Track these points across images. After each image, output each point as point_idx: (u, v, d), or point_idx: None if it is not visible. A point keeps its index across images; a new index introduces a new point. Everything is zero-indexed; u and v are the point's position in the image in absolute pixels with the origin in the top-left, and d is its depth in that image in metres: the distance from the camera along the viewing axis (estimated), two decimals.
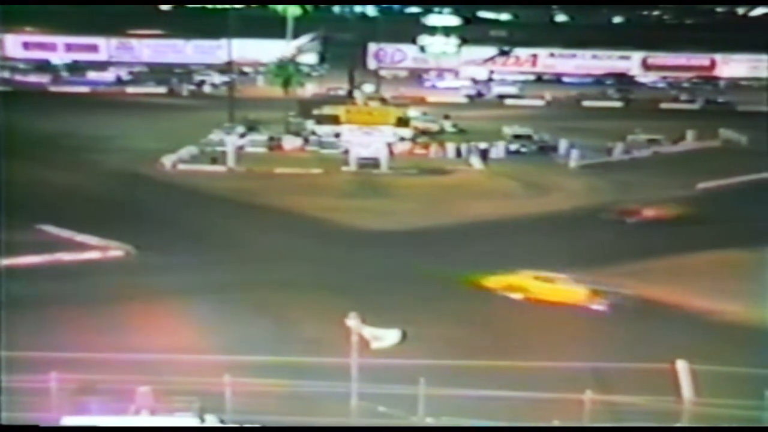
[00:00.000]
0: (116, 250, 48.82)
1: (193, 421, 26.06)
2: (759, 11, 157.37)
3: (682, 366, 29.23)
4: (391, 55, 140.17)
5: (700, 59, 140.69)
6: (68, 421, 25.55)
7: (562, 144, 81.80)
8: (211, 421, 26.57)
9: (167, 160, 73.16)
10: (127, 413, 26.55)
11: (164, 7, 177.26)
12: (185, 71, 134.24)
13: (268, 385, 27.99)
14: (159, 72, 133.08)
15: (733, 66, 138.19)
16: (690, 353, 30.08)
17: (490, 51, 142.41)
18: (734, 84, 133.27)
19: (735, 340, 36.93)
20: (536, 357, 32.07)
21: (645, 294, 42.53)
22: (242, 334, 36.55)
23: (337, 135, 78.24)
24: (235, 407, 27.28)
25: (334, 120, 79.25)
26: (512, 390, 27.79)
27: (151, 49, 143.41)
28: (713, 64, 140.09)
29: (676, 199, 62.09)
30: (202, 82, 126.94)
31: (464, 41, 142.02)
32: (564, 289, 42.45)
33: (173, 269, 45.64)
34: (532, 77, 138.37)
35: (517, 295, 42.79)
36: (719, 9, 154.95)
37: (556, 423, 27.39)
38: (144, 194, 62.65)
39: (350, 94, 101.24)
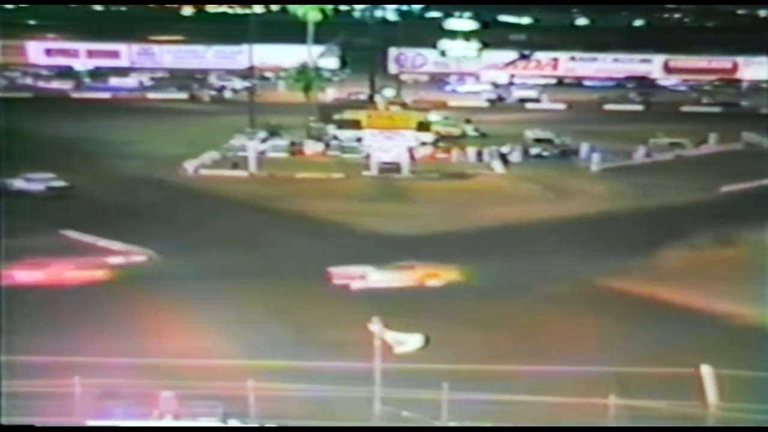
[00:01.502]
0: (139, 255, 48.95)
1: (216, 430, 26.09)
2: None
3: (706, 370, 29.08)
4: (412, 60, 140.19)
5: (722, 62, 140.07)
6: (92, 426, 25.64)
7: (584, 147, 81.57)
8: (234, 425, 26.58)
9: (189, 166, 73.33)
10: (150, 418, 26.61)
11: (185, 12, 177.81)
12: (206, 77, 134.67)
13: (292, 390, 28.01)
14: (180, 77, 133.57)
15: (755, 68, 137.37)
16: (713, 357, 29.93)
17: (511, 55, 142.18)
18: (756, 86, 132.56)
19: (758, 344, 36.73)
20: (559, 361, 31.95)
21: (667, 297, 42.42)
22: (265, 339, 36.53)
23: (359, 139, 78.38)
24: (258, 412, 27.29)
25: (356, 124, 79.43)
26: (535, 395, 27.71)
27: (172, 54, 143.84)
28: (735, 67, 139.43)
29: (698, 202, 61.87)
30: (222, 88, 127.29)
31: (485, 45, 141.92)
32: None
33: (195, 274, 45.68)
34: (553, 81, 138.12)
35: None
36: (741, 11, 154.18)
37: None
38: (166, 199, 62.80)
39: (371, 98, 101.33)
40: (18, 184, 62.70)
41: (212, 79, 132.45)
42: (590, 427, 27.37)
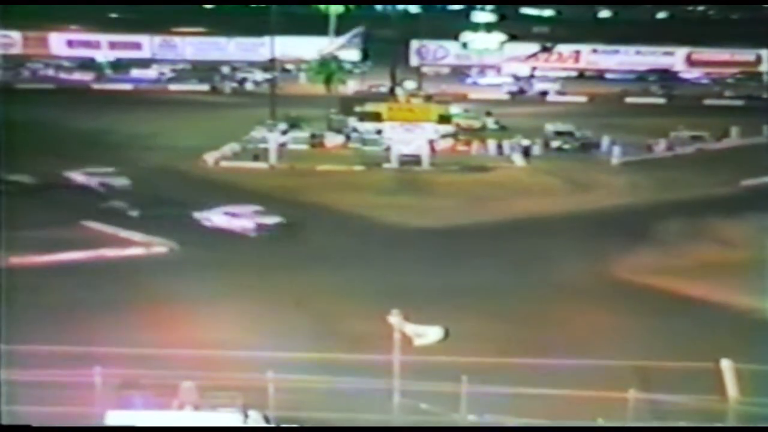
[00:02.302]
0: (160, 247, 49.15)
1: (236, 421, 26.12)
2: None
3: (726, 365, 28.98)
4: (434, 52, 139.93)
5: (745, 55, 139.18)
6: (112, 416, 25.74)
7: (605, 141, 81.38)
8: (254, 416, 26.64)
9: (210, 157, 73.54)
10: (170, 408, 26.71)
11: (207, 5, 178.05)
12: (228, 69, 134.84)
13: (311, 382, 28.05)
14: (202, 70, 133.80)
15: None
16: (733, 352, 29.83)
17: (533, 47, 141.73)
18: None
19: None
20: (578, 355, 31.86)
21: (687, 291, 42.33)
22: (285, 331, 36.62)
23: (379, 132, 78.38)
24: (278, 404, 27.34)
25: (376, 117, 79.45)
26: (554, 388, 27.67)
27: (194, 46, 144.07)
28: (759, 60, 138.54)
29: (719, 196, 61.64)
30: (244, 80, 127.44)
31: (507, 38, 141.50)
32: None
33: (216, 266, 45.84)
34: (574, 74, 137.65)
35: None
36: (765, 5, 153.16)
37: (600, 422, 27.26)
38: (187, 191, 62.97)
39: (392, 91, 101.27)
40: (79, 178, 63.34)
41: (225, 71, 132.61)
42: (596, 427, 27.32)
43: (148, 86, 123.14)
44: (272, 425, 26.93)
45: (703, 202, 60.67)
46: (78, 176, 63.84)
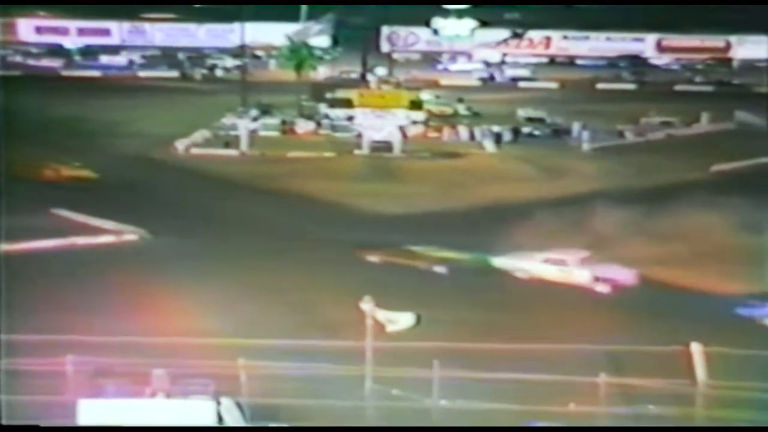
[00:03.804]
0: (130, 235, 48.94)
1: (208, 408, 26.14)
2: None
3: (696, 348, 29.18)
4: (404, 39, 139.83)
5: (715, 41, 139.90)
6: (84, 404, 25.68)
7: (576, 127, 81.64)
8: (226, 403, 26.65)
9: (180, 145, 73.34)
10: (142, 396, 26.68)
11: None
12: (198, 55, 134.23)
13: (283, 369, 28.06)
14: (171, 56, 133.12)
15: (748, 47, 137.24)
16: (702, 336, 30.03)
17: (504, 33, 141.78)
18: (749, 65, 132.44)
19: (747, 322, 36.96)
20: (550, 339, 31.97)
21: (658, 276, 42.54)
22: (257, 318, 36.59)
23: (350, 118, 78.32)
24: (250, 390, 27.34)
25: (347, 103, 79.42)
26: (525, 373, 27.78)
27: (163, 33, 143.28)
28: (728, 46, 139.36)
29: (689, 181, 61.97)
30: (214, 66, 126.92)
31: (478, 24, 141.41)
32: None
33: (187, 253, 45.67)
34: (545, 60, 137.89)
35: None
36: None
37: (572, 406, 27.40)
38: (157, 178, 62.71)
39: (363, 77, 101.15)
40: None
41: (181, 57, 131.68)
42: (591, 428, 27.49)
43: (118, 73, 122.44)
44: (274, 426, 26.95)
45: (673, 188, 60.92)
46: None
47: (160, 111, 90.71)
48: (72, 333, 29.72)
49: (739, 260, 44.91)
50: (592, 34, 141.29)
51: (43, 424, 24.43)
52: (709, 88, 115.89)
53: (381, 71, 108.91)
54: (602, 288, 41.74)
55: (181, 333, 32.30)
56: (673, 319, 36.73)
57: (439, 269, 43.97)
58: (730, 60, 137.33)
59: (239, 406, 27.01)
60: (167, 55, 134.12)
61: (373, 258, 45.18)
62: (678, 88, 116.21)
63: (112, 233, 48.96)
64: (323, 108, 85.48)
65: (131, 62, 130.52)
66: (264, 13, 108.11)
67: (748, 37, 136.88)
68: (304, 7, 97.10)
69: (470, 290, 40.97)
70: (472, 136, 79.96)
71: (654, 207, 55.16)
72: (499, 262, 44.50)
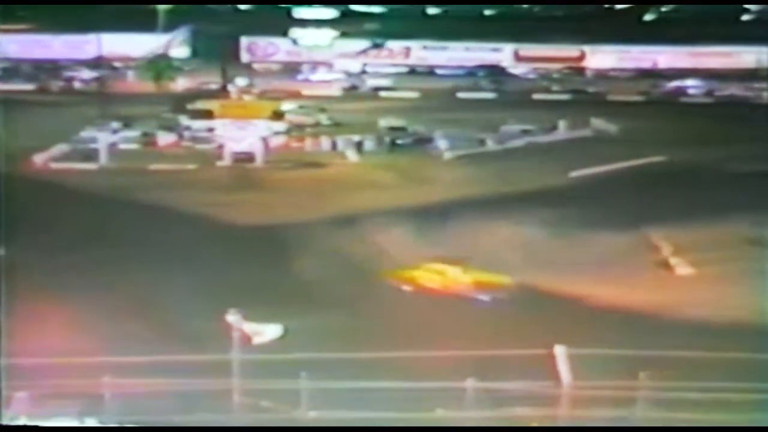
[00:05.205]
0: None
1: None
2: (624, 5, 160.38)
3: (559, 351, 29.76)
4: (264, 49, 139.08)
5: (570, 50, 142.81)
6: None
7: (437, 135, 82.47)
8: (90, 423, 26.10)
9: (39, 159, 71.64)
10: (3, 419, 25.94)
11: None
12: (54, 67, 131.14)
13: (149, 385, 27.61)
14: (27, 68, 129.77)
15: (602, 57, 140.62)
16: (568, 338, 30.64)
17: (364, 43, 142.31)
18: (603, 74, 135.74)
19: (610, 323, 37.83)
20: (420, 347, 32.17)
21: (520, 280, 43.24)
22: (122, 334, 35.86)
23: (211, 130, 77.60)
24: (115, 409, 26.82)
25: (208, 114, 78.64)
26: (393, 380, 27.89)
27: (17, 44, 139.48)
28: (582, 56, 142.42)
29: (549, 187, 63.25)
30: (71, 78, 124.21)
31: (337, 34, 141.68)
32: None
33: (46, 270, 44.55)
34: (405, 69, 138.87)
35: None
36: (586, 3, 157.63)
37: (439, 412, 27.67)
38: (15, 194, 60.98)
39: (224, 88, 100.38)
40: None
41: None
42: (584, 427, 27.76)
43: None
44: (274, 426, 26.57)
45: (533, 194, 62.05)
46: None
47: (16, 125, 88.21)
48: None
49: (598, 261, 46.07)
50: (451, 44, 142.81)
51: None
52: (565, 97, 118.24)
53: (241, 82, 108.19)
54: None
55: (44, 353, 31.43)
56: (539, 323, 37.38)
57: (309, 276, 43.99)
58: (584, 69, 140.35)
59: (103, 425, 26.47)
60: (22, 67, 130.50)
61: (239, 268, 44.89)
62: (536, 96, 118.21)
63: None
64: (184, 119, 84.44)
65: None
66: (121, 23, 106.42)
67: (601, 47, 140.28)
68: (161, 18, 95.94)
69: (336, 299, 40.99)
70: (334, 146, 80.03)
71: (515, 213, 56.26)
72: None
